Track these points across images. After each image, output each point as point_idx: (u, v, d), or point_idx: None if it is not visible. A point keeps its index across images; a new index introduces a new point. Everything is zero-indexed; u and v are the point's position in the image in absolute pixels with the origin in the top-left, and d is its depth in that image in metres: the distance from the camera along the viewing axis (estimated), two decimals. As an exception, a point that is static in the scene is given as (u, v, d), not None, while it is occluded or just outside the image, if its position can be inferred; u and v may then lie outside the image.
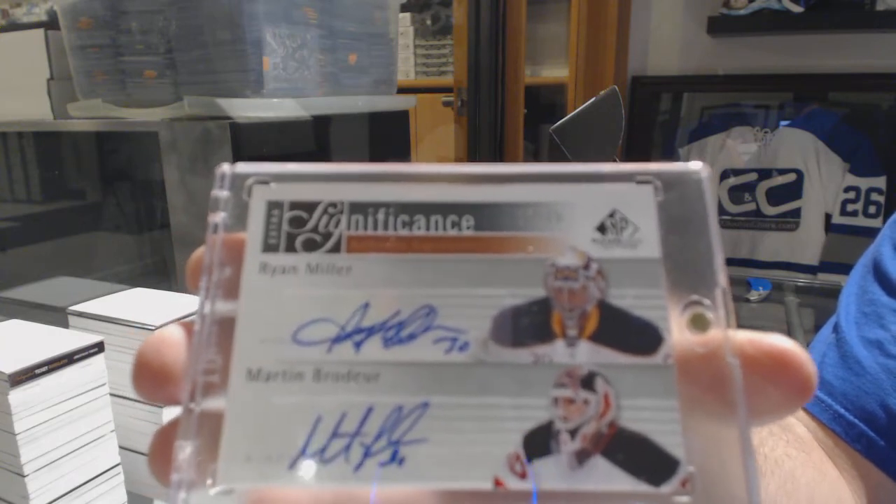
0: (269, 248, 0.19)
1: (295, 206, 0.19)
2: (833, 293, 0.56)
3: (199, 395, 0.17)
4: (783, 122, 1.77)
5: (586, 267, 0.18)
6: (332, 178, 0.19)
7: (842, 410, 0.44)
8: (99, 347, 0.57)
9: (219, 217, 0.19)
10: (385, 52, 1.13)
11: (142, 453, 0.63)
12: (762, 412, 0.17)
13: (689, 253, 0.18)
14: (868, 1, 1.60)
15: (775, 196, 1.78)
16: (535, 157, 2.15)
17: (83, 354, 0.55)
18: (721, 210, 1.83)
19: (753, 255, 1.83)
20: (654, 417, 0.17)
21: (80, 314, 0.63)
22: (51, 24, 1.08)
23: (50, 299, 0.92)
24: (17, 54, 1.10)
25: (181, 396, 0.17)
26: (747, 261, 1.83)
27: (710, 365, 0.17)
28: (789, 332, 1.44)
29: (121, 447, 0.60)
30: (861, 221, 1.70)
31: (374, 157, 1.16)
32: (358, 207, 0.19)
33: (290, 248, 0.19)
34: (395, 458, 0.16)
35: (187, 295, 0.68)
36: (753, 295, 1.66)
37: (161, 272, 1.08)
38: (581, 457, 0.16)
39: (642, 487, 0.16)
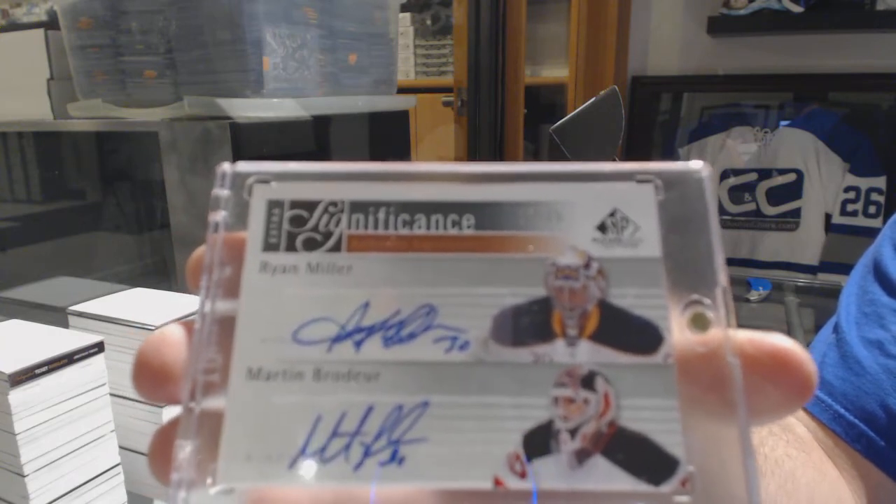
0: (269, 247, 0.19)
1: (295, 205, 0.19)
2: (833, 293, 0.56)
3: (200, 394, 0.17)
4: (783, 122, 1.77)
5: (587, 266, 0.18)
6: (333, 177, 0.19)
7: (842, 410, 0.44)
8: (99, 347, 0.57)
9: (219, 216, 0.19)
10: (385, 52, 1.13)
11: (142, 453, 0.63)
12: (762, 412, 0.17)
13: (690, 252, 0.18)
14: (868, 1, 1.60)
15: (775, 196, 1.78)
16: (535, 157, 2.15)
17: (83, 354, 0.55)
18: (721, 210, 1.83)
19: (753, 255, 1.83)
20: (654, 417, 0.17)
21: (80, 314, 0.63)
22: (51, 24, 1.08)
23: (50, 299, 0.92)
24: (17, 54, 1.10)
25: (181, 396, 0.17)
26: (747, 261, 1.83)
27: (710, 364, 0.17)
28: (789, 332, 1.44)
29: (121, 447, 0.60)
30: (861, 221, 1.70)
31: (374, 157, 1.16)
32: (358, 206, 0.19)
33: (291, 247, 0.19)
34: (395, 458, 0.16)
35: (187, 295, 0.68)
36: (753, 295, 1.66)
37: (161, 272, 1.08)
38: (581, 456, 0.16)
39: (642, 487, 0.16)
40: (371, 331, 0.18)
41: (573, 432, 0.17)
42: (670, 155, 1.89)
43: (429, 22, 2.33)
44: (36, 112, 1.09)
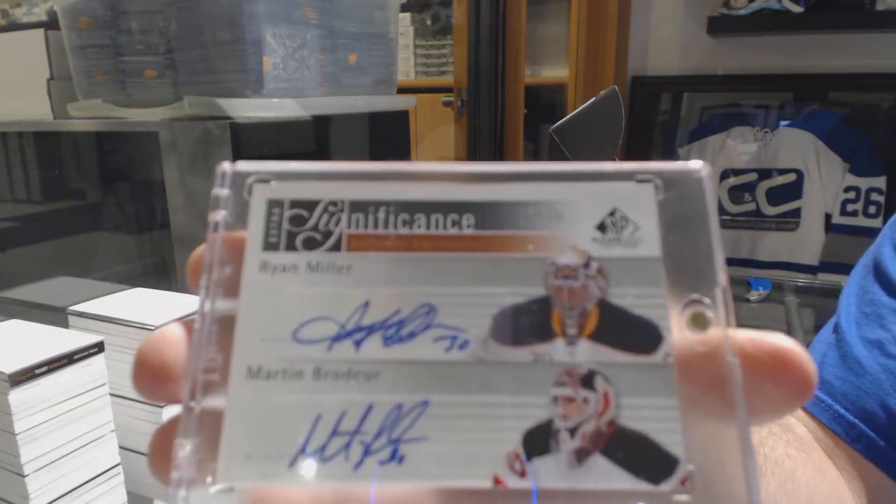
0: (269, 246, 0.19)
1: (295, 204, 0.19)
2: (833, 293, 0.56)
3: (200, 393, 0.17)
4: (783, 122, 1.77)
5: (586, 266, 0.18)
6: (333, 176, 0.19)
7: (842, 410, 0.44)
8: (99, 347, 0.57)
9: (219, 215, 0.19)
10: (385, 52, 1.13)
11: (142, 453, 0.63)
12: (762, 411, 0.17)
13: (690, 252, 0.18)
14: (868, 1, 1.60)
15: (775, 196, 1.78)
16: (535, 157, 2.15)
17: (83, 354, 0.55)
18: (721, 210, 1.83)
19: (753, 255, 1.83)
20: (653, 416, 0.17)
21: (80, 314, 0.63)
22: (51, 24, 1.08)
23: (50, 299, 0.92)
24: (17, 54, 1.10)
25: (181, 395, 0.17)
26: (747, 261, 1.83)
27: (710, 364, 0.17)
28: (789, 332, 1.44)
29: (121, 447, 0.60)
30: (861, 221, 1.70)
31: (374, 157, 1.16)
32: (358, 206, 0.19)
33: (291, 246, 0.19)
34: (395, 457, 0.16)
35: (187, 295, 0.68)
36: (753, 295, 1.66)
37: (161, 272, 1.08)
38: (581, 455, 0.16)
39: (642, 486, 0.16)
40: (371, 330, 0.18)
41: (573, 431, 0.17)
42: (670, 155, 1.89)
43: (429, 22, 2.33)
44: (36, 112, 1.09)
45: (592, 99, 0.66)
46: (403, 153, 1.27)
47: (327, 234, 0.19)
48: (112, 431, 0.59)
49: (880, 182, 1.68)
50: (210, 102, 0.88)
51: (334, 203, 0.19)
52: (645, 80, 1.90)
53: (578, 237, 0.18)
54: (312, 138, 1.00)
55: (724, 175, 1.81)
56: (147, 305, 0.65)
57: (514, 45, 1.79)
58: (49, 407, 0.53)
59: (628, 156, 1.91)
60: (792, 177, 1.76)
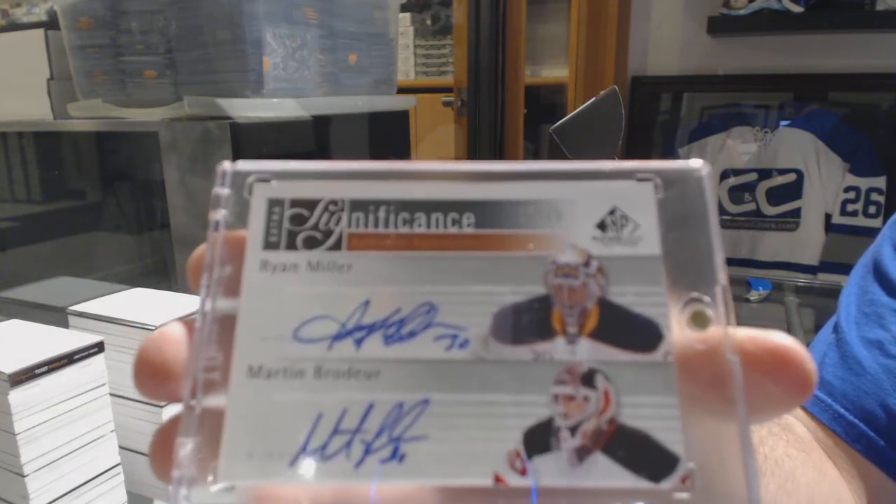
0: (269, 245, 0.19)
1: (296, 203, 0.19)
2: (833, 293, 0.56)
3: (200, 392, 0.17)
4: (783, 122, 1.77)
5: (586, 264, 0.18)
6: (333, 175, 0.19)
7: (842, 410, 0.44)
8: (99, 347, 0.56)
9: (220, 215, 0.19)
10: (385, 52, 1.13)
11: (142, 453, 0.63)
12: (762, 409, 0.17)
13: (690, 250, 0.18)
14: (868, 1, 1.60)
15: (775, 196, 1.78)
16: (535, 157, 2.15)
17: (83, 354, 0.55)
18: (721, 210, 1.83)
19: (753, 255, 1.83)
20: (654, 414, 0.17)
21: (80, 314, 0.63)
22: (51, 24, 1.08)
23: (50, 299, 0.92)
24: (17, 54, 1.10)
25: (182, 394, 0.17)
26: (747, 261, 1.83)
27: (710, 362, 0.17)
28: (789, 332, 1.44)
29: (121, 447, 0.60)
30: (861, 221, 1.70)
31: (375, 157, 1.15)
32: (359, 205, 0.19)
33: (291, 245, 0.19)
34: (396, 455, 0.16)
35: (187, 295, 0.68)
36: (753, 295, 1.66)
37: (161, 272, 1.08)
38: (581, 453, 0.16)
39: (642, 484, 0.16)
40: (371, 329, 0.18)
41: (573, 429, 0.17)
42: (670, 155, 1.89)
43: (429, 22, 2.33)
44: (36, 112, 1.09)
45: (592, 99, 0.66)
46: (403, 153, 1.27)
47: (328, 234, 0.19)
48: (112, 431, 0.59)
49: (880, 182, 1.68)
50: (210, 102, 0.88)
51: (335, 202, 0.19)
52: (645, 80, 1.90)
53: (578, 236, 0.18)
54: (312, 138, 1.00)
55: (724, 175, 1.81)
56: (147, 305, 0.65)
57: (514, 45, 1.79)
58: (49, 407, 0.53)
59: (628, 156, 1.91)
60: (792, 177, 1.76)
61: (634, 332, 0.17)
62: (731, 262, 1.82)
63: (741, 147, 1.80)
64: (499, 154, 1.84)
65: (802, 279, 1.76)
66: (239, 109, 0.87)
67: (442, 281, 0.18)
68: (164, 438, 0.17)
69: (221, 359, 0.17)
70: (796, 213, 1.77)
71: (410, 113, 1.26)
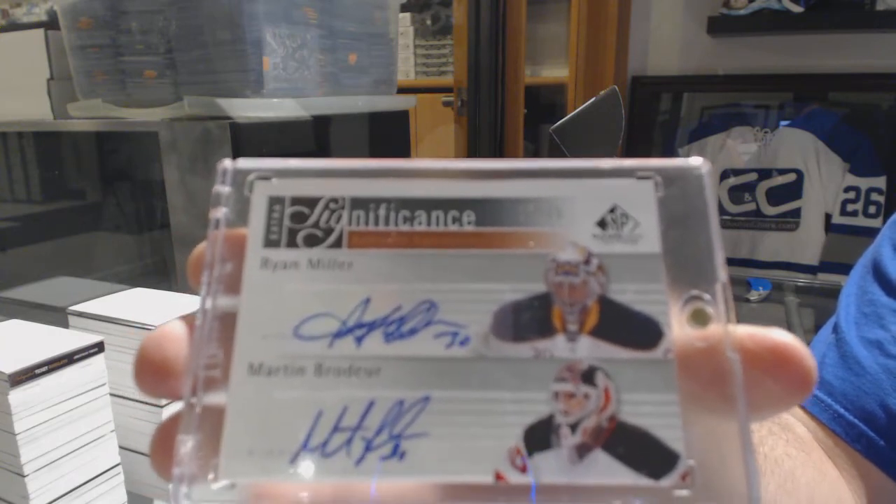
0: (270, 243, 0.19)
1: (296, 201, 0.19)
2: (833, 293, 0.56)
3: (201, 389, 0.17)
4: (783, 122, 1.77)
5: (587, 262, 0.18)
6: (334, 173, 0.19)
7: (842, 410, 0.44)
8: (99, 347, 0.56)
9: (220, 212, 0.19)
10: (385, 52, 1.14)
11: (142, 453, 0.63)
12: (762, 406, 0.17)
13: (690, 248, 0.18)
14: (868, 1, 1.60)
15: (775, 196, 1.78)
16: (535, 157, 2.15)
17: (83, 354, 0.55)
18: (721, 210, 1.83)
19: (753, 255, 1.83)
20: (654, 412, 0.17)
21: (80, 314, 0.63)
22: (51, 24, 1.08)
23: (50, 299, 0.92)
24: (17, 54, 1.10)
25: (182, 391, 0.17)
26: (747, 261, 1.83)
27: (710, 359, 0.17)
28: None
29: (121, 447, 0.60)
30: (861, 221, 1.70)
31: (375, 157, 1.15)
32: (359, 203, 0.19)
33: (292, 243, 0.19)
34: (396, 452, 0.16)
35: (187, 295, 0.68)
36: (753, 295, 1.66)
37: (161, 272, 1.08)
38: (581, 451, 0.16)
39: (642, 481, 0.16)
40: (372, 326, 0.18)
41: (574, 427, 0.17)
42: (670, 155, 1.89)
43: (429, 22, 2.33)
44: (36, 112, 1.09)
45: (592, 99, 0.66)
46: (403, 153, 1.27)
47: (328, 231, 0.19)
48: (112, 431, 0.59)
49: (880, 182, 1.68)
50: (210, 102, 0.88)
51: (335, 200, 0.19)
52: (645, 80, 1.90)
53: (579, 234, 0.18)
54: (312, 138, 1.00)
55: (724, 175, 1.81)
56: (147, 305, 0.65)
57: (514, 45, 1.79)
58: (49, 407, 0.53)
59: (628, 156, 1.90)
60: (792, 177, 1.76)
61: (635, 330, 0.17)
62: (731, 262, 1.82)
63: (741, 147, 1.80)
64: (499, 154, 1.84)
65: (802, 279, 1.76)
66: (239, 109, 0.88)
67: (442, 279, 0.18)
68: (165, 436, 0.17)
69: (222, 356, 0.18)
70: (796, 213, 1.77)
71: (410, 113, 1.26)
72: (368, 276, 0.18)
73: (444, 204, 0.19)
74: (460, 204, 0.19)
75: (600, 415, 0.17)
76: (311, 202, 0.19)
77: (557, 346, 0.17)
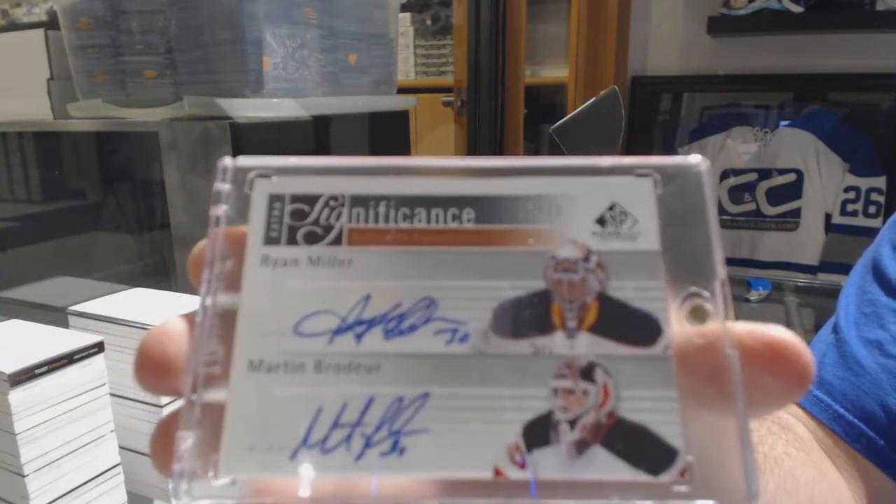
0: (270, 240, 0.19)
1: (296, 199, 0.19)
2: (833, 293, 0.56)
3: (201, 386, 0.17)
4: (783, 122, 1.77)
5: (586, 259, 0.18)
6: (334, 171, 0.20)
7: (841, 410, 0.44)
8: (99, 347, 0.57)
9: (220, 210, 0.19)
10: (385, 52, 1.14)
11: (142, 453, 0.63)
12: (761, 403, 0.17)
13: (688, 245, 0.18)
14: (868, 1, 1.60)
15: (775, 196, 1.78)
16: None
17: (83, 354, 0.55)
18: (721, 210, 1.83)
19: (753, 255, 1.83)
20: (653, 408, 0.17)
21: (80, 314, 0.63)
22: (51, 24, 1.08)
23: (50, 299, 0.92)
24: (17, 54, 1.10)
25: (183, 388, 0.17)
26: (747, 261, 1.83)
27: (708, 356, 0.17)
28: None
29: (121, 447, 0.60)
30: (861, 221, 1.70)
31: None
32: (359, 200, 0.19)
33: (292, 240, 0.19)
34: (396, 449, 0.16)
35: (187, 295, 0.68)
36: (753, 295, 1.66)
37: (161, 272, 1.08)
38: (580, 447, 0.16)
39: (641, 477, 0.16)
40: (372, 323, 0.18)
41: (573, 423, 0.17)
42: (670, 154, 1.89)
43: (429, 22, 2.33)
44: (36, 112, 1.09)
45: (592, 99, 0.66)
46: (403, 153, 1.27)
47: (328, 229, 0.19)
48: (112, 431, 0.59)
49: (880, 182, 1.68)
50: (210, 102, 0.88)
51: (335, 198, 0.19)
52: (645, 80, 1.90)
53: (578, 231, 0.18)
54: (312, 138, 1.00)
55: (724, 175, 1.81)
56: (147, 305, 0.65)
57: (514, 45, 1.79)
58: (49, 407, 0.53)
59: (628, 155, 1.90)
60: (792, 177, 1.76)
61: (633, 327, 0.17)
62: (731, 262, 1.83)
63: (741, 147, 1.80)
64: (499, 154, 1.84)
65: (802, 279, 1.76)
66: (239, 109, 0.88)
67: (442, 276, 0.18)
68: (165, 433, 0.17)
69: (222, 353, 0.18)
70: (796, 213, 1.77)
71: (410, 113, 1.26)
72: (368, 273, 0.18)
73: (444, 201, 0.19)
74: (460, 201, 0.19)
75: (599, 411, 0.17)
76: (311, 200, 0.19)
77: (556, 342, 0.17)
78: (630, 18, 1.87)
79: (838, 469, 0.43)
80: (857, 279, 0.49)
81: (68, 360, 0.54)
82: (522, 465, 0.16)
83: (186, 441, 0.17)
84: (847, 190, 1.71)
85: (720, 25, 1.74)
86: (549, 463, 0.16)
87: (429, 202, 0.19)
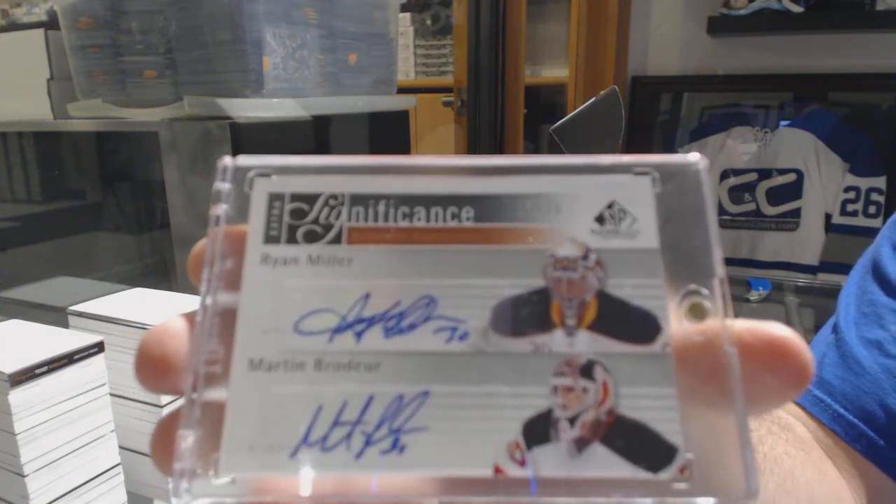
0: (270, 239, 0.19)
1: (296, 198, 0.19)
2: (833, 293, 0.56)
3: (201, 385, 0.17)
4: (783, 122, 1.77)
5: (585, 257, 0.18)
6: (333, 170, 0.20)
7: (841, 410, 0.44)
8: (99, 347, 0.57)
9: (220, 209, 0.19)
10: (385, 52, 1.14)
11: (142, 453, 0.63)
12: (760, 400, 0.17)
13: (687, 243, 0.18)
14: (868, 1, 1.60)
15: (775, 196, 1.78)
16: (534, 157, 2.15)
17: (83, 354, 0.55)
18: (721, 210, 1.84)
19: (753, 255, 1.83)
20: (652, 405, 0.17)
21: (80, 314, 0.63)
22: (51, 24, 1.08)
23: (50, 299, 0.92)
24: (17, 54, 1.10)
25: (183, 387, 0.17)
26: (747, 261, 1.83)
27: (708, 353, 0.17)
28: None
29: (121, 447, 0.60)
30: (861, 221, 1.70)
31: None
32: (359, 199, 0.19)
33: (292, 239, 0.19)
34: (396, 446, 0.17)
35: (187, 295, 0.69)
36: (753, 295, 1.66)
37: (161, 272, 1.08)
38: (580, 444, 0.16)
39: (641, 474, 0.16)
40: (372, 321, 0.18)
41: (572, 421, 0.17)
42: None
43: (429, 22, 2.33)
44: (36, 112, 1.09)
45: (592, 99, 0.66)
46: (403, 153, 1.27)
47: (328, 228, 0.19)
48: (112, 431, 0.59)
49: (880, 182, 1.68)
50: (210, 102, 0.88)
51: (335, 196, 0.19)
52: (645, 80, 1.91)
53: (577, 229, 0.19)
54: (312, 138, 1.00)
55: (724, 175, 1.82)
56: (147, 305, 0.65)
57: (514, 45, 1.79)
58: (49, 407, 0.53)
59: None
60: (792, 177, 1.76)
61: (633, 324, 0.17)
62: (731, 262, 1.83)
63: (741, 147, 1.80)
64: (499, 154, 1.84)
65: (802, 279, 1.76)
66: (239, 109, 0.88)
67: (441, 274, 0.18)
68: (166, 431, 0.17)
69: (222, 352, 0.18)
70: (796, 213, 1.77)
71: (410, 113, 1.26)
72: (368, 271, 0.18)
73: (443, 200, 0.19)
74: (459, 200, 0.19)
75: (599, 408, 0.17)
76: (311, 199, 0.19)
77: (556, 340, 0.17)
78: (630, 18, 1.87)
79: (838, 469, 0.43)
80: (857, 279, 0.49)
81: (68, 360, 0.54)
82: (522, 463, 0.16)
83: (187, 440, 0.17)
84: (847, 190, 1.71)
85: (720, 25, 1.74)
86: (549, 460, 0.16)
87: (428, 201, 0.19)
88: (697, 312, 0.17)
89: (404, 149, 1.28)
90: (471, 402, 0.17)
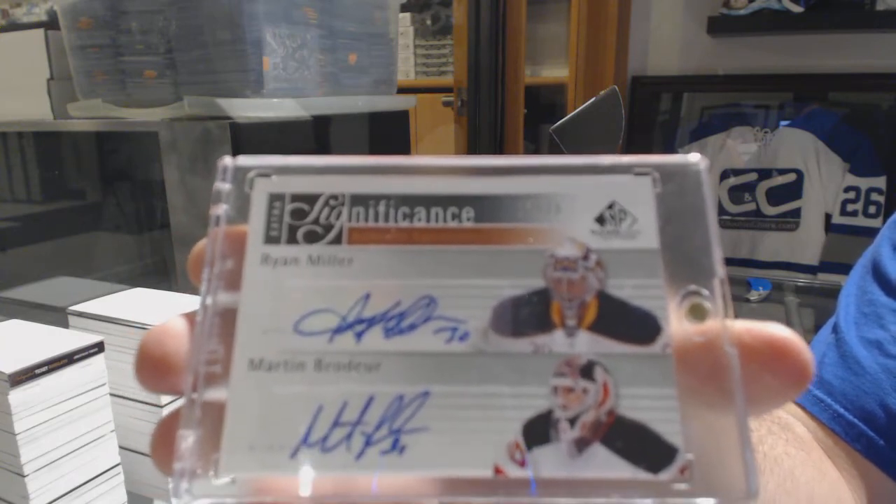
0: (270, 239, 0.19)
1: (296, 198, 0.19)
2: (833, 293, 0.56)
3: (202, 385, 0.17)
4: (783, 122, 1.77)
5: (585, 258, 0.18)
6: (334, 170, 0.20)
7: (841, 410, 0.44)
8: (99, 347, 0.57)
9: (221, 209, 0.19)
10: (385, 52, 1.14)
11: (142, 453, 0.63)
12: (760, 400, 0.17)
13: (687, 244, 0.18)
14: (868, 1, 1.60)
15: (775, 196, 1.78)
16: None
17: (83, 354, 0.55)
18: (721, 210, 1.84)
19: (753, 255, 1.83)
20: (652, 406, 0.17)
21: (80, 314, 0.63)
22: (51, 24, 1.08)
23: (50, 299, 0.92)
24: (17, 54, 1.10)
25: (183, 387, 0.17)
26: (747, 261, 1.83)
27: (708, 354, 0.17)
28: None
29: (121, 447, 0.60)
30: (861, 221, 1.70)
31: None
32: (359, 200, 0.19)
33: (292, 239, 0.19)
34: (396, 447, 0.17)
35: (187, 295, 0.69)
36: (753, 295, 1.66)
37: (161, 272, 1.08)
38: (580, 445, 0.16)
39: (641, 475, 0.16)
40: (372, 322, 0.18)
41: (572, 421, 0.17)
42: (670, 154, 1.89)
43: (429, 22, 2.33)
44: (36, 112, 1.09)
45: (592, 99, 0.66)
46: (403, 153, 1.27)
47: (328, 228, 0.19)
48: (112, 431, 0.59)
49: (880, 182, 1.68)
50: (210, 102, 0.88)
51: (335, 197, 0.19)
52: (645, 80, 1.91)
53: (577, 229, 0.19)
54: (312, 138, 1.00)
55: (724, 175, 1.81)
56: (147, 305, 0.65)
57: (514, 45, 1.79)
58: (49, 407, 0.53)
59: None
60: (792, 177, 1.76)
61: (633, 325, 0.17)
62: (731, 262, 1.83)
63: (741, 147, 1.80)
64: (499, 154, 1.84)
65: (802, 279, 1.76)
66: (239, 109, 0.88)
67: (442, 274, 0.18)
68: (166, 431, 0.17)
69: (222, 352, 0.18)
70: (796, 213, 1.77)
71: (410, 113, 1.26)
72: (368, 272, 0.18)
73: (444, 200, 0.19)
74: (459, 200, 0.19)
75: (599, 409, 0.17)
76: (311, 199, 0.19)
77: (556, 341, 0.17)
78: (630, 18, 1.87)
79: (838, 469, 0.43)
80: (857, 279, 0.49)
81: (68, 360, 0.54)
82: (522, 464, 0.16)
83: (187, 440, 0.17)
84: (847, 190, 1.71)
85: (720, 25, 1.74)
86: (549, 461, 0.16)
87: (428, 201, 0.19)
88: (698, 313, 0.17)
89: (404, 149, 1.28)
90: (471, 403, 0.17)
